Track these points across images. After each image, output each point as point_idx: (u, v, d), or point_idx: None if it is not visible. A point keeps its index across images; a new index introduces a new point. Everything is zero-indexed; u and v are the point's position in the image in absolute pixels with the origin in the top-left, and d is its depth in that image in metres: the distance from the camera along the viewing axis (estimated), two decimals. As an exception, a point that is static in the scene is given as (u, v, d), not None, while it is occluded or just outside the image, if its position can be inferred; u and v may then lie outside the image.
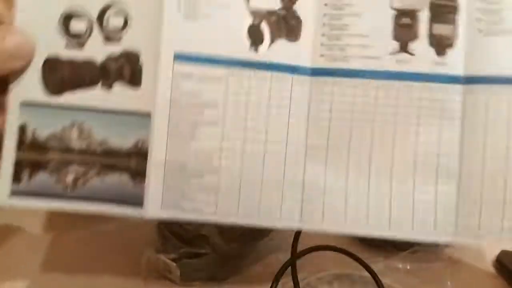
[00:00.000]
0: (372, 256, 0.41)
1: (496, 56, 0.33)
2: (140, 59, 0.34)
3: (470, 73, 0.33)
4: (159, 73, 0.34)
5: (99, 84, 0.35)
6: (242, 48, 0.34)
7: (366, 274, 0.34)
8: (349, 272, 0.34)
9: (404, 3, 0.33)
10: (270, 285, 0.34)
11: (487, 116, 0.33)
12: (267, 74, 0.34)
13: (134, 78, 0.34)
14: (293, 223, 0.34)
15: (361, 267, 0.37)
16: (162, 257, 0.44)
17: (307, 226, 0.34)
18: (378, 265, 0.38)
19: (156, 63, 0.34)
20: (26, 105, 0.34)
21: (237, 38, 0.34)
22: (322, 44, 0.34)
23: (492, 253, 0.45)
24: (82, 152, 0.35)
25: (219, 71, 0.34)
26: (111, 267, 0.44)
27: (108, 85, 0.35)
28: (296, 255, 0.39)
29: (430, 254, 0.43)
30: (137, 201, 0.34)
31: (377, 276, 0.33)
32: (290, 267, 0.38)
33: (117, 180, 0.35)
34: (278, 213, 0.34)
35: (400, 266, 0.38)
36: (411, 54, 0.33)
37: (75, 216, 0.44)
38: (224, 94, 0.34)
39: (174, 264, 0.43)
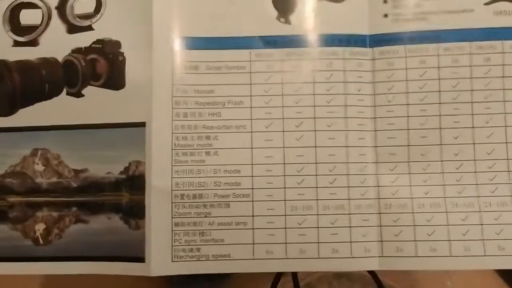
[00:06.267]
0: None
1: None
2: (121, 51, 0.24)
3: None
4: (154, 67, 0.24)
5: (64, 91, 0.24)
6: (266, 22, 0.24)
7: (366, 274, 0.31)
8: (349, 272, 0.31)
9: None
10: (270, 285, 0.30)
11: None
12: (307, 51, 0.24)
13: (113, 77, 0.24)
14: (372, 264, 0.25)
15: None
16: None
17: (391, 266, 0.25)
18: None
19: (148, 54, 0.24)
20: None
21: (258, 9, 0.24)
22: (384, 1, 0.24)
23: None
24: (51, 190, 0.24)
25: (237, 56, 0.24)
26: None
27: (77, 91, 0.24)
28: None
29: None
30: (137, 252, 0.24)
31: (377, 276, 0.31)
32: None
33: (105, 225, 0.24)
34: (347, 250, 0.24)
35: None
36: None
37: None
38: (249, 87, 0.24)
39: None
